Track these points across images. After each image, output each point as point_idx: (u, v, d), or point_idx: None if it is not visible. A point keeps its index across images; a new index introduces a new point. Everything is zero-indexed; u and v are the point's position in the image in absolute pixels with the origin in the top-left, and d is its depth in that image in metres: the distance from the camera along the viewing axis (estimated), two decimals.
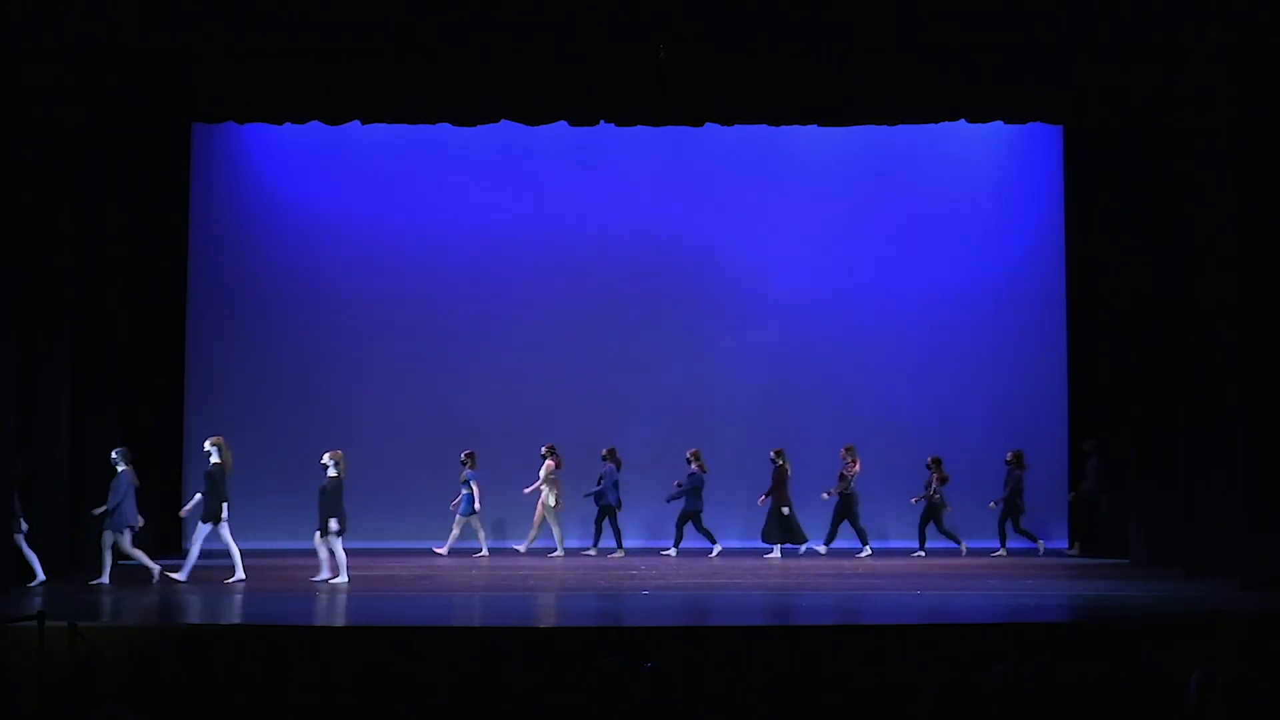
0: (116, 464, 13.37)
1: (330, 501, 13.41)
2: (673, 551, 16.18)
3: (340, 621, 11.14)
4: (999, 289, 17.59)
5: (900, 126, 14.73)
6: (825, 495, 16.21)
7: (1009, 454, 16.46)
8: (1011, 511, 16.41)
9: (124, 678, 6.29)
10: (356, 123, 14.26)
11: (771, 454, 16.14)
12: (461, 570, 14.81)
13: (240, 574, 13.31)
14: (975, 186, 17.72)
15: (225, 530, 13.39)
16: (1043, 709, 5.68)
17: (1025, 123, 14.68)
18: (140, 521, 13.46)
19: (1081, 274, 16.91)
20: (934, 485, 16.21)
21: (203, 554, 13.57)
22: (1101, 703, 5.55)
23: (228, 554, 13.40)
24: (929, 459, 16.35)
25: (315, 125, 14.36)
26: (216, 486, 13.42)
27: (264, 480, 16.47)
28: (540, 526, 16.33)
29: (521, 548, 16.29)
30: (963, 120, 14.42)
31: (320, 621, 11.03)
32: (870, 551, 16.10)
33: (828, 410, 17.29)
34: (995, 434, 17.20)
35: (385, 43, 12.62)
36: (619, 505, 16.18)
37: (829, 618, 11.35)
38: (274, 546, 15.81)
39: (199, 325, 17.12)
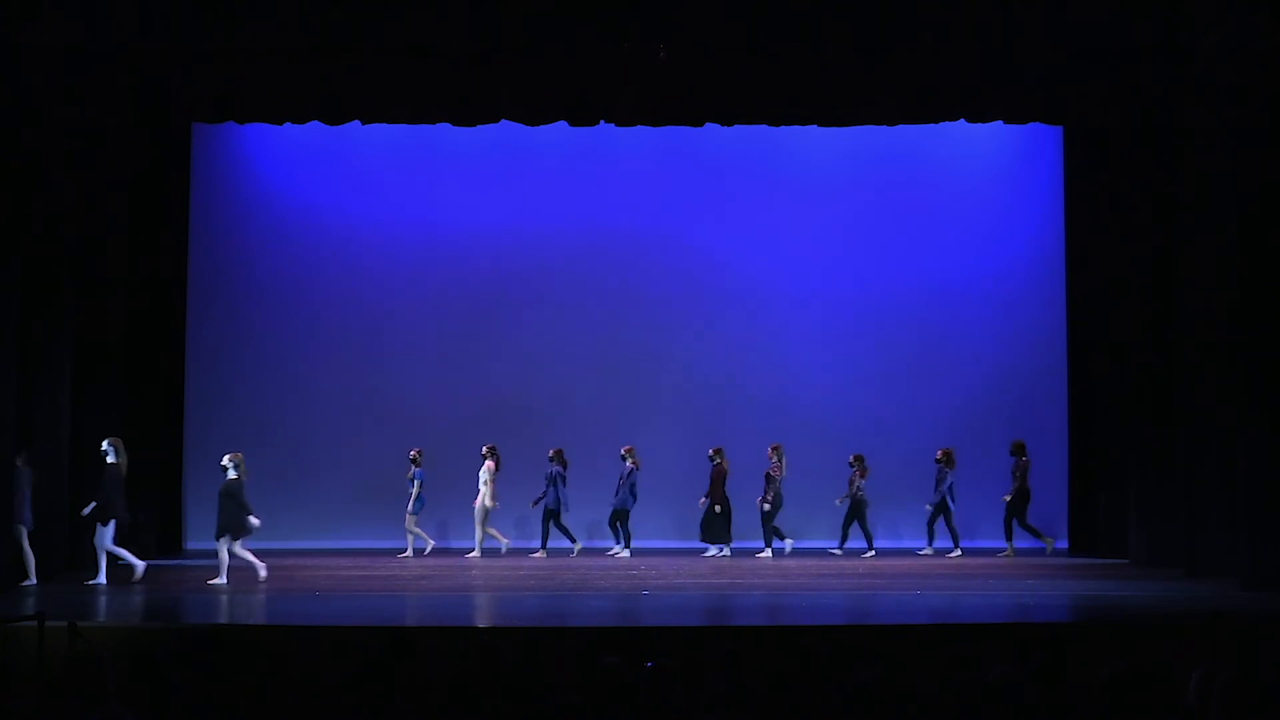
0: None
1: (230, 504, 13.21)
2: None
3: (340, 621, 11.13)
4: (999, 289, 17.58)
5: (900, 127, 14.73)
6: (763, 503, 16.02)
7: (939, 452, 16.18)
8: (942, 509, 16.15)
9: (124, 678, 6.29)
10: (356, 123, 14.27)
11: (710, 452, 16.06)
12: (461, 570, 14.80)
13: (102, 579, 13.05)
14: (975, 186, 17.72)
15: (110, 533, 13.19)
16: (1043, 709, 5.68)
17: (1025, 123, 14.68)
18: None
19: (1081, 274, 16.91)
20: (857, 483, 16.07)
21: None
22: (1102, 703, 5.54)
23: (100, 555, 13.15)
24: (851, 457, 16.12)
25: (315, 125, 14.37)
26: (112, 487, 13.25)
27: (263, 480, 16.45)
28: (490, 525, 16.09)
29: (502, 549, 16.11)
30: (963, 120, 14.45)
31: (320, 621, 11.02)
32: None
33: (826, 410, 17.29)
34: (995, 433, 17.18)
35: (385, 43, 12.63)
36: (559, 506, 15.94)
37: (829, 618, 11.34)
38: (273, 547, 15.78)
39: (199, 325, 17.11)
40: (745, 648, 9.26)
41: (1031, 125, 15.20)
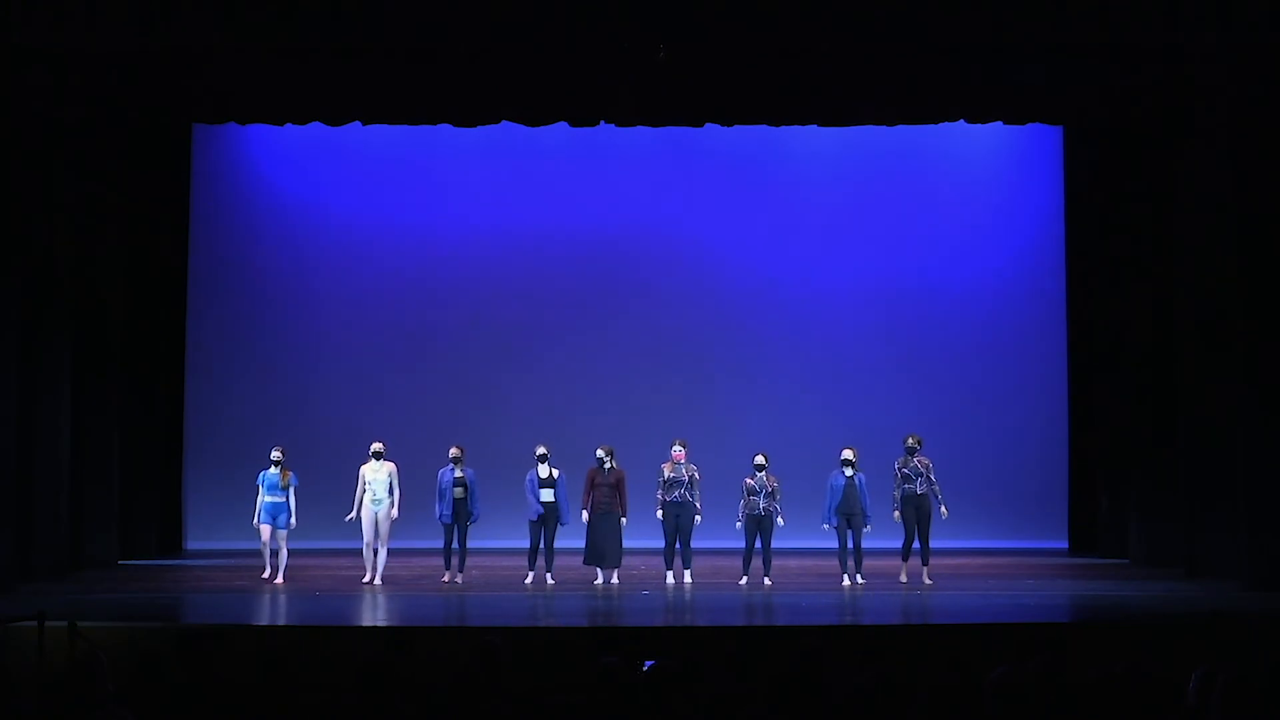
0: None
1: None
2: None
3: (340, 621, 11.12)
4: (999, 289, 17.59)
5: (900, 126, 14.73)
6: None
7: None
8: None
9: (124, 678, 6.29)
10: (357, 123, 14.27)
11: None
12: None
13: None
14: (975, 186, 17.72)
15: None
16: (1043, 709, 5.67)
17: (1025, 123, 14.71)
18: None
19: (1081, 274, 16.92)
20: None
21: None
22: (1101, 703, 5.54)
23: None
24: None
25: (316, 125, 14.39)
26: None
27: None
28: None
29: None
30: (962, 120, 14.45)
31: (320, 621, 11.02)
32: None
33: (825, 410, 17.28)
34: (995, 434, 17.19)
35: (385, 43, 12.63)
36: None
37: (829, 618, 11.33)
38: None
39: (199, 325, 17.11)
40: (745, 648, 9.29)
41: (1031, 125, 15.21)
